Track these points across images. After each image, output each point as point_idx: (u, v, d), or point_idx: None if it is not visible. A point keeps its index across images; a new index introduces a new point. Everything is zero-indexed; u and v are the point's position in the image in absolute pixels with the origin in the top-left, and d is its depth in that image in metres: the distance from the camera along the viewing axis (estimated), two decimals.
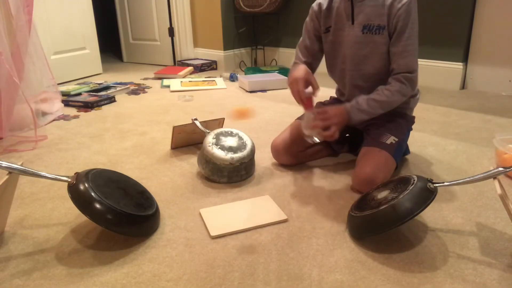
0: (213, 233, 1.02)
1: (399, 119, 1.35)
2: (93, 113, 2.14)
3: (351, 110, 1.25)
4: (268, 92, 2.51)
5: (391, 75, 1.27)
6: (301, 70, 1.26)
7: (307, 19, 1.40)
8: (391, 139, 1.28)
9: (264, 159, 1.49)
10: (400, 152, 1.32)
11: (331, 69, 1.43)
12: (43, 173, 0.99)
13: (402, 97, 1.26)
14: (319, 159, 1.48)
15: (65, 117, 2.06)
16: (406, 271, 0.88)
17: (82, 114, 2.12)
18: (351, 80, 1.36)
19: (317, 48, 1.41)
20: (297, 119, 1.47)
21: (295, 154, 1.42)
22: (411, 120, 1.41)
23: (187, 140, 1.61)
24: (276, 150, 1.43)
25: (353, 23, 1.28)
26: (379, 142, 1.27)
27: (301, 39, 1.44)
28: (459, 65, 2.40)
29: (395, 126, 1.32)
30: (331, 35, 1.34)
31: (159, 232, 1.05)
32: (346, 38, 1.30)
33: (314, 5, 1.37)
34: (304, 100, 1.22)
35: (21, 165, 0.99)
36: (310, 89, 1.23)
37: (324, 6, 1.34)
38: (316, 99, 1.28)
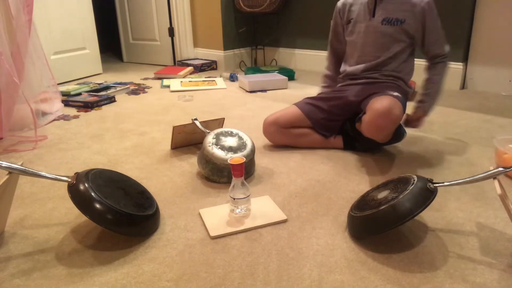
0: (213, 233, 1.02)
1: (395, 84, 1.52)
2: (93, 113, 2.14)
3: (428, 110, 1.49)
4: (268, 92, 2.51)
5: (430, 61, 1.53)
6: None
7: (333, 19, 1.62)
8: (395, 94, 1.40)
9: (264, 159, 1.49)
10: (405, 106, 1.43)
11: (346, 57, 1.62)
12: (43, 173, 0.99)
13: (446, 74, 1.54)
14: (319, 159, 1.48)
15: (65, 117, 2.06)
16: (406, 271, 0.88)
17: (82, 114, 2.12)
18: (351, 68, 1.56)
19: (344, 45, 1.62)
20: (293, 104, 1.61)
21: (280, 130, 1.55)
22: (407, 90, 1.56)
23: (187, 140, 1.61)
24: (264, 122, 1.57)
25: (373, 16, 1.48)
26: (385, 92, 1.39)
27: (329, 46, 1.69)
28: (459, 65, 2.40)
29: (393, 87, 1.49)
30: (352, 26, 1.54)
31: (159, 232, 1.05)
32: (365, 28, 1.50)
33: (339, 3, 1.59)
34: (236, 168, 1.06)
35: (21, 165, 0.99)
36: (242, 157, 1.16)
37: (349, 1, 1.55)
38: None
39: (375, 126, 1.29)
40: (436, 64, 1.52)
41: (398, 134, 1.47)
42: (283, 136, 1.56)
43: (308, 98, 1.63)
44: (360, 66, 1.53)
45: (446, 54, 1.53)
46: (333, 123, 1.58)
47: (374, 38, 1.49)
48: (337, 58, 1.69)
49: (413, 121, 1.51)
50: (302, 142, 1.57)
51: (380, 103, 1.30)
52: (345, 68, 1.61)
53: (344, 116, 1.57)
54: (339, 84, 1.64)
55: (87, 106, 2.22)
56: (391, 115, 1.27)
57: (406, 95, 1.53)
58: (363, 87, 1.52)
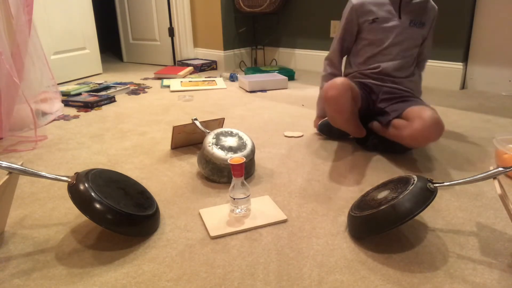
0: (213, 233, 1.02)
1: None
2: (93, 113, 2.14)
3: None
4: (268, 92, 2.51)
5: (419, 60, 1.62)
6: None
7: (347, 17, 1.57)
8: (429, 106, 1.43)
9: (264, 159, 1.49)
10: None
11: (367, 55, 1.58)
12: (43, 173, 0.99)
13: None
14: (319, 159, 1.48)
15: (65, 117, 2.06)
16: (406, 271, 0.88)
17: (82, 114, 2.12)
18: (384, 64, 1.54)
19: (351, 44, 1.63)
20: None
21: (349, 100, 1.38)
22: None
23: (187, 140, 1.61)
24: (336, 86, 1.36)
25: (400, 17, 1.51)
26: (423, 103, 1.46)
27: (336, 43, 1.63)
28: (459, 65, 2.40)
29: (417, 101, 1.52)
30: (379, 25, 1.53)
31: (159, 232, 1.05)
32: (394, 29, 1.51)
33: (356, 2, 1.54)
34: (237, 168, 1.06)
35: (21, 165, 0.99)
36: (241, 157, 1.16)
37: (368, 1, 1.53)
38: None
39: (425, 135, 1.27)
40: (422, 63, 1.66)
41: None
42: (349, 111, 1.41)
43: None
44: (387, 65, 1.52)
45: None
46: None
47: (403, 39, 1.52)
48: (342, 57, 1.68)
49: None
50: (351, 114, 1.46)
51: (430, 113, 1.28)
52: (360, 66, 1.58)
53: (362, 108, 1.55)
54: (354, 79, 1.61)
55: (87, 106, 2.22)
56: (441, 126, 1.28)
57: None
58: (390, 89, 1.53)
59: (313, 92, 2.47)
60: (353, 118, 1.47)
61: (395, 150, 1.51)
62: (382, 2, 1.53)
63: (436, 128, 1.27)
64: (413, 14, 1.51)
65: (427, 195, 0.93)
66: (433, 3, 1.56)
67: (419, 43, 1.56)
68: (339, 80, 1.37)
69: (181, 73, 2.94)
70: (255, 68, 3.06)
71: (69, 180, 0.99)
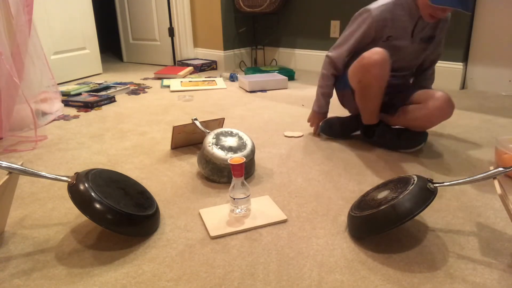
0: (213, 233, 1.02)
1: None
2: (93, 113, 2.14)
3: None
4: (268, 92, 2.51)
5: (428, 66, 1.66)
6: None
7: (365, 30, 1.48)
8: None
9: (264, 159, 1.49)
10: None
11: None
12: (43, 173, 0.99)
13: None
14: (320, 158, 1.48)
15: (65, 117, 2.06)
16: (406, 271, 0.88)
17: (82, 114, 2.12)
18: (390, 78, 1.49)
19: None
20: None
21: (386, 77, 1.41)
22: None
23: (187, 140, 1.61)
24: (379, 53, 1.36)
25: (412, 36, 1.49)
26: (431, 88, 1.57)
27: (346, 50, 1.55)
28: (459, 65, 2.40)
29: None
30: (390, 43, 1.50)
31: (159, 232, 1.05)
32: (404, 49, 1.50)
33: (376, 15, 1.45)
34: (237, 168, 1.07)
35: (21, 165, 0.99)
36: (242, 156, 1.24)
37: (388, 17, 1.46)
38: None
39: (440, 114, 1.38)
40: (431, 68, 1.67)
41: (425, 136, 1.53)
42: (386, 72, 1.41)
43: None
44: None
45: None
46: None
47: (412, 58, 1.54)
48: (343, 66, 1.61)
49: None
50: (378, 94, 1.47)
51: (441, 93, 1.38)
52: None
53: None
54: None
55: (87, 106, 2.22)
56: (452, 103, 1.38)
57: None
58: (392, 84, 1.51)
59: (313, 92, 2.47)
60: (382, 94, 1.45)
61: (400, 146, 1.51)
62: (399, 14, 1.46)
63: (450, 105, 1.37)
64: (426, 32, 1.50)
65: (427, 195, 0.93)
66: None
67: (423, 55, 1.57)
68: (381, 49, 1.37)
69: (181, 73, 2.94)
70: (255, 68, 3.06)
71: (69, 180, 0.99)
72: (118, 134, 1.80)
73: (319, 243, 0.99)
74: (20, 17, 1.74)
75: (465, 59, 2.40)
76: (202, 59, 3.33)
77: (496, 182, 0.90)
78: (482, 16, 2.29)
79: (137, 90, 2.60)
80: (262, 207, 1.15)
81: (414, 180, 0.97)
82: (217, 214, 1.12)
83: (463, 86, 2.45)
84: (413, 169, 1.39)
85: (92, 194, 0.95)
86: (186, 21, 3.30)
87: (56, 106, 2.10)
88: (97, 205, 0.94)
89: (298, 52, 3.18)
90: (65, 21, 2.79)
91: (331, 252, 0.95)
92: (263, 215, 1.10)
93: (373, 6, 1.46)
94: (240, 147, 1.33)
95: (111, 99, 2.33)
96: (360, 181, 1.31)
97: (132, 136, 1.77)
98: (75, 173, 1.02)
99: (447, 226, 1.05)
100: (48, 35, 2.66)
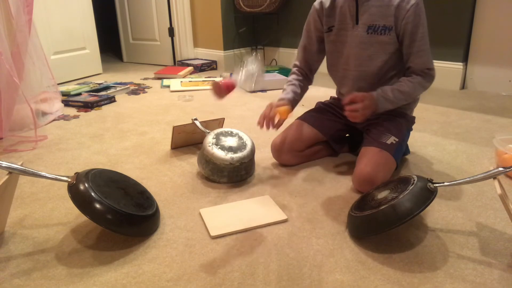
0: (213, 233, 1.02)
1: (399, 118, 1.35)
2: (93, 113, 2.14)
3: (377, 97, 1.23)
4: (268, 92, 2.51)
5: (407, 72, 1.29)
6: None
7: (309, 18, 1.39)
8: (392, 139, 1.28)
9: (264, 159, 1.49)
10: (400, 152, 1.31)
11: (333, 69, 1.43)
12: (43, 173, 0.99)
13: (422, 90, 1.28)
14: (319, 159, 1.48)
15: (65, 117, 2.06)
16: (406, 271, 0.88)
17: (82, 114, 2.12)
18: (353, 81, 1.35)
19: (316, 49, 1.43)
20: (297, 119, 1.47)
21: (295, 154, 1.42)
22: (411, 120, 1.41)
23: (187, 140, 1.61)
24: (276, 150, 1.42)
25: (357, 23, 1.27)
26: (379, 142, 1.27)
27: (301, 39, 1.45)
28: (459, 65, 2.40)
29: (395, 126, 1.32)
30: (334, 35, 1.34)
31: (159, 232, 1.05)
32: (350, 38, 1.30)
33: (316, 3, 1.36)
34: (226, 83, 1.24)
35: (21, 165, 0.99)
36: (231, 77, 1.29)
37: (327, 4, 1.33)
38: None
39: (362, 190, 1.22)
40: (414, 73, 1.27)
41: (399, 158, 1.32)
42: (299, 158, 1.44)
43: (312, 111, 1.50)
44: (350, 85, 1.36)
45: (428, 69, 1.26)
46: (343, 133, 1.50)
47: (358, 51, 1.29)
48: (308, 68, 1.51)
49: (357, 101, 1.20)
50: (314, 159, 1.48)
51: (364, 171, 1.20)
52: (341, 98, 1.44)
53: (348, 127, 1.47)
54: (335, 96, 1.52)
55: (87, 106, 2.22)
56: (376, 179, 1.18)
57: (407, 124, 1.37)
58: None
59: (313, 92, 2.46)
60: (315, 156, 1.47)
61: None
62: (341, 4, 1.29)
63: (369, 184, 1.17)
64: (372, 17, 1.24)
65: (427, 195, 0.93)
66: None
67: (392, 50, 1.26)
68: (277, 147, 1.41)
69: (181, 73, 2.94)
70: None
71: (69, 180, 0.99)
72: (118, 134, 1.80)
73: (319, 243, 0.99)
74: (20, 17, 1.74)
75: (465, 59, 2.40)
76: (202, 59, 3.33)
77: (496, 182, 0.90)
78: (482, 16, 2.29)
79: (137, 90, 2.60)
80: (262, 207, 1.15)
81: (414, 180, 0.97)
82: (217, 214, 1.12)
83: (463, 86, 2.45)
84: (413, 169, 1.39)
85: (92, 194, 0.95)
86: (186, 21, 3.30)
87: (56, 106, 2.10)
88: (97, 205, 0.94)
89: None
90: (65, 21, 2.79)
91: (331, 252, 0.95)
92: (263, 215, 1.10)
93: None
94: (240, 147, 1.33)
95: (111, 99, 2.33)
96: None
97: (132, 136, 1.77)
98: (75, 173, 1.02)
99: (447, 226, 1.05)
100: (48, 35, 2.66)
